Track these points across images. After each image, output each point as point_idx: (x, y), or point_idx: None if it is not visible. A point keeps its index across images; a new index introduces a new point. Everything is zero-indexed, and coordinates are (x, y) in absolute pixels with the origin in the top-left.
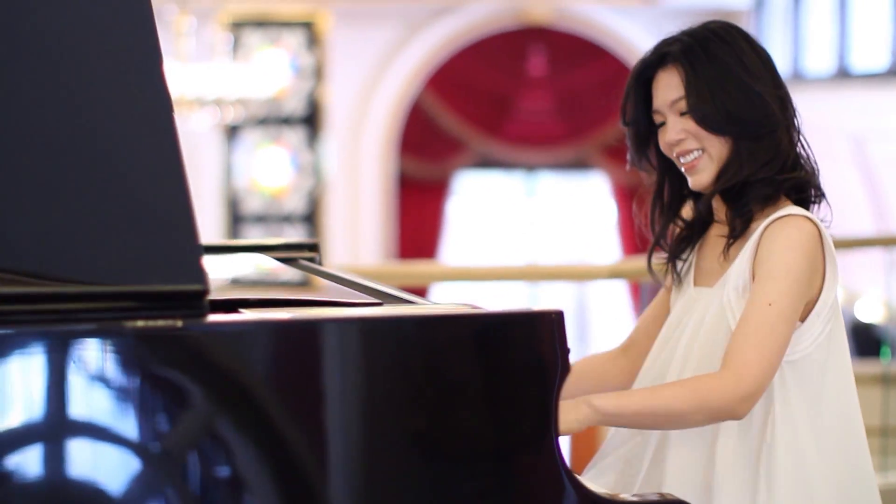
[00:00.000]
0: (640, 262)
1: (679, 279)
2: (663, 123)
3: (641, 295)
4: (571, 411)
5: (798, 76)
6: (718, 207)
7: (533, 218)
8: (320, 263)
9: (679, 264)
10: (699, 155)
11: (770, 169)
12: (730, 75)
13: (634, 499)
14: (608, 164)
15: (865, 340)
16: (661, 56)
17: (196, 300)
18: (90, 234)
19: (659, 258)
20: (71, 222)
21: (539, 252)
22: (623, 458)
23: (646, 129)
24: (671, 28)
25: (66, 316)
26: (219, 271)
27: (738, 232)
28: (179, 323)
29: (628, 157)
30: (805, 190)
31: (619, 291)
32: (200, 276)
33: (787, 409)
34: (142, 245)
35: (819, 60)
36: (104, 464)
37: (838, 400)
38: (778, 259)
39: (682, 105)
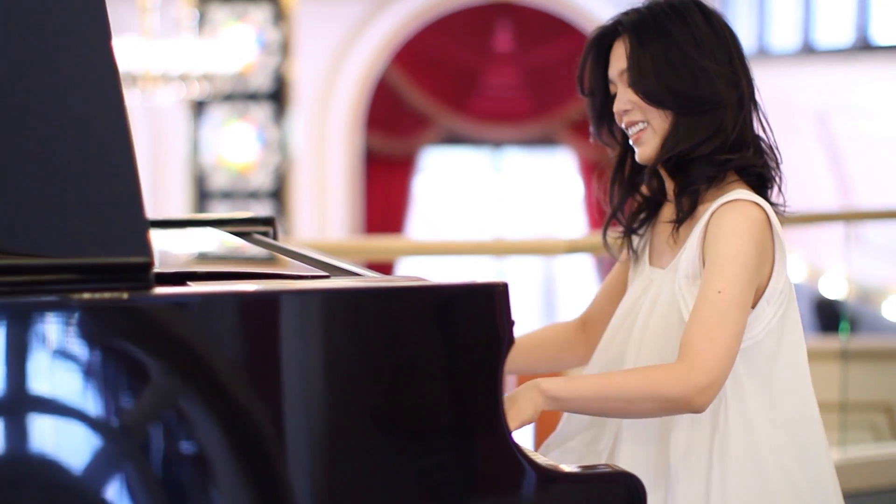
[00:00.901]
0: (597, 237)
1: (636, 256)
2: (616, 94)
3: (608, 269)
4: (524, 397)
5: (763, 52)
6: (670, 187)
7: (500, 194)
8: (275, 238)
9: (636, 240)
10: (644, 127)
11: (708, 146)
12: (676, 50)
13: (579, 470)
14: (574, 140)
15: (829, 316)
16: (615, 26)
17: (141, 272)
18: (36, 207)
19: (615, 232)
20: (16, 195)
21: (506, 228)
22: (584, 441)
23: (604, 99)
24: (638, 4)
25: (10, 289)
26: (185, 247)
27: (684, 213)
28: (125, 295)
29: (591, 129)
30: (762, 173)
31: (585, 265)
32: (145, 248)
33: (739, 397)
34: (88, 218)
35: (784, 36)
36: (49, 437)
37: (791, 386)
38: (724, 245)
39: (625, 46)
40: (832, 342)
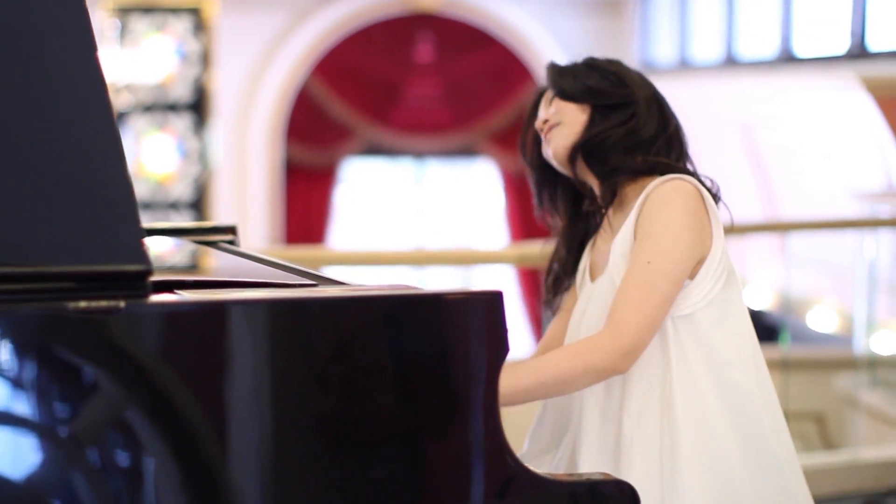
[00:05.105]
0: (545, 248)
1: (580, 279)
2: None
3: (532, 280)
4: None
5: (685, 64)
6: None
7: (421, 205)
8: (238, 246)
9: (573, 277)
10: (557, 124)
11: (620, 132)
12: (594, 66)
13: (575, 479)
14: (495, 151)
15: (756, 327)
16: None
17: (138, 281)
18: (31, 215)
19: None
20: (11, 204)
21: (427, 239)
22: (546, 460)
23: (542, 172)
24: (559, 16)
25: (5, 297)
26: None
27: (607, 201)
28: (122, 304)
29: (534, 200)
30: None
31: (505, 277)
32: (143, 256)
33: (684, 363)
34: (83, 226)
35: (707, 48)
36: (42, 450)
37: (735, 352)
38: (656, 218)
39: (550, 96)
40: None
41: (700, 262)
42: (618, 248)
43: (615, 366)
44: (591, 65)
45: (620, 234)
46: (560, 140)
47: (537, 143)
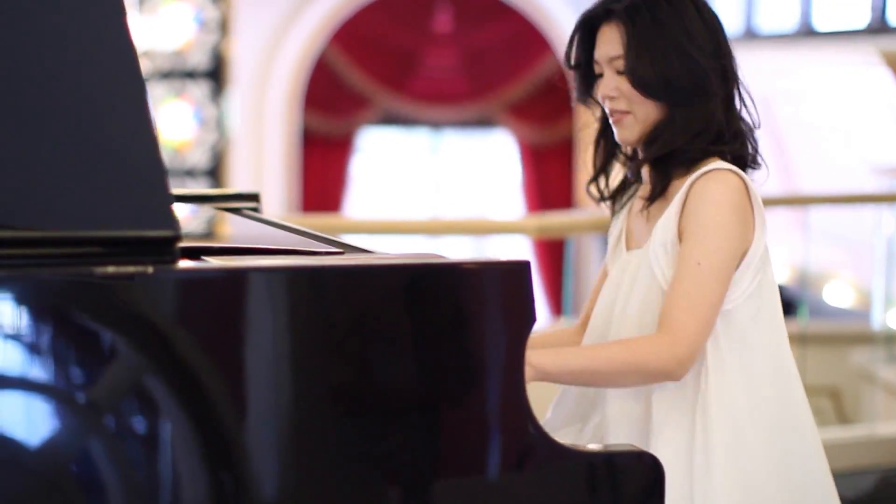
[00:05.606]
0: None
1: (615, 244)
2: (601, 74)
3: (548, 251)
4: None
5: None
6: (646, 166)
7: (437, 175)
8: (261, 213)
9: (611, 232)
10: (626, 112)
11: (703, 139)
12: (671, 41)
13: (601, 449)
14: (513, 121)
15: None
16: (607, 10)
17: (167, 246)
18: (59, 180)
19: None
20: (39, 168)
21: (443, 209)
22: (571, 433)
23: (586, 72)
24: None
25: (34, 261)
26: None
27: (657, 193)
28: (150, 269)
29: (575, 94)
30: (741, 154)
31: (521, 247)
32: (171, 222)
33: (718, 359)
34: (111, 191)
35: (726, 21)
36: (62, 415)
37: (769, 348)
38: (704, 216)
39: (620, 64)
40: None
41: (743, 255)
42: (658, 236)
43: (671, 372)
44: (667, 42)
45: (662, 220)
46: (629, 135)
47: (584, 50)
